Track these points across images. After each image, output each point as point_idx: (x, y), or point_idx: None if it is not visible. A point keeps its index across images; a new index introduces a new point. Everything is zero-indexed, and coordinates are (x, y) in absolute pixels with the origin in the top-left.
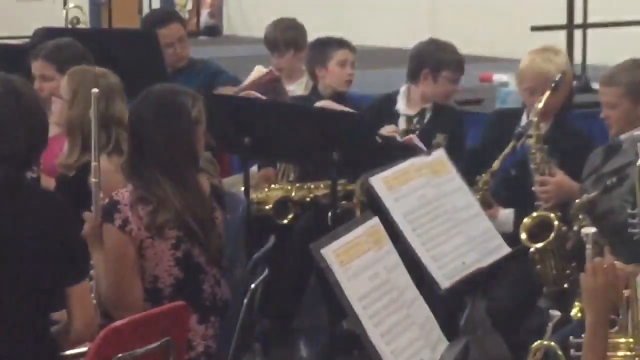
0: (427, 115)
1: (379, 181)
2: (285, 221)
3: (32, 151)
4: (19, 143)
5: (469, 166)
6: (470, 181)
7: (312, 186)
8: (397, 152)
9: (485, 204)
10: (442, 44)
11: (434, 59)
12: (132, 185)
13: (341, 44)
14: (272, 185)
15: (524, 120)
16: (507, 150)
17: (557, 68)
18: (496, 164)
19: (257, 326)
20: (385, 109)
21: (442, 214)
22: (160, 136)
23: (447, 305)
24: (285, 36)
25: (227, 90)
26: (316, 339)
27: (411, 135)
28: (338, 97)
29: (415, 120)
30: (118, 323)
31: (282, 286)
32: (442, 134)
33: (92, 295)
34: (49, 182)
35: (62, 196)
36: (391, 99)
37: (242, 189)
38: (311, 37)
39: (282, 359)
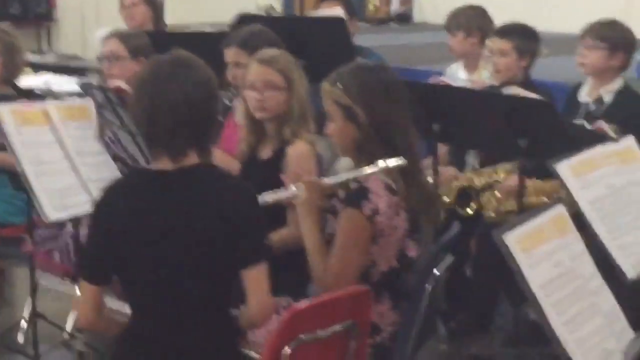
0: (606, 101)
1: (565, 168)
2: (470, 211)
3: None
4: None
5: None
6: None
7: (490, 171)
8: (586, 139)
9: None
10: None
11: None
12: (378, 174)
13: (495, 31)
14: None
15: None
16: None
17: None
18: None
19: (449, 315)
20: (572, 97)
21: (630, 203)
22: (396, 113)
23: (634, 295)
24: (458, 20)
25: None
26: (501, 327)
27: (601, 122)
28: (526, 84)
29: (593, 107)
30: (302, 305)
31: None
32: (613, 125)
33: None
34: (234, 164)
35: (235, 177)
36: (578, 87)
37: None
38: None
39: (468, 345)
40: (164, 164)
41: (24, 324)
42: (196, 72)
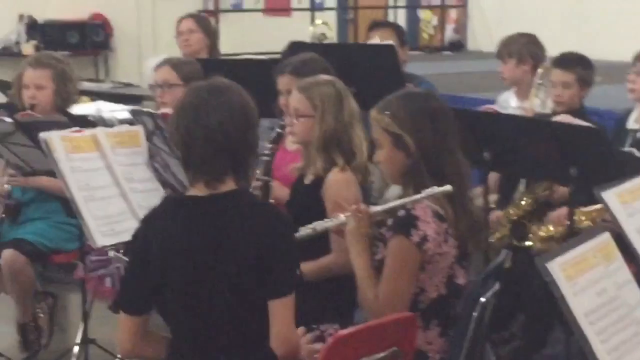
0: None
1: (611, 196)
2: (528, 243)
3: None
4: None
5: None
6: None
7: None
8: (635, 166)
9: None
10: None
11: None
12: (426, 201)
13: (556, 63)
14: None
15: None
16: None
17: None
18: None
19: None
20: (621, 124)
21: None
22: (444, 141)
23: None
24: (510, 47)
25: None
26: (551, 355)
27: None
28: (579, 112)
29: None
30: (346, 331)
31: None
32: None
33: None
34: (282, 191)
35: (271, 206)
36: (627, 114)
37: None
38: (555, 52)
39: None
40: (199, 190)
41: (76, 349)
42: (232, 99)
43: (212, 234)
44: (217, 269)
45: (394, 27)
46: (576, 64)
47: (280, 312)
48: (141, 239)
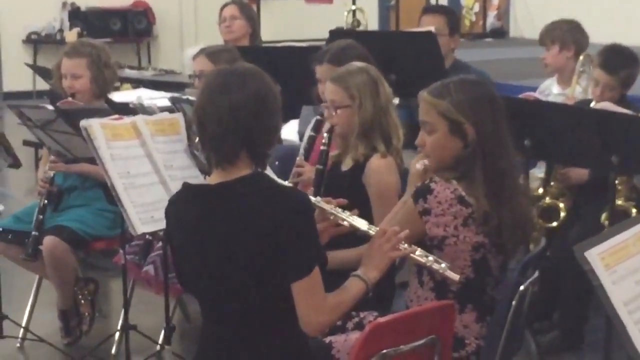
0: None
1: None
2: (555, 223)
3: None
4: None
5: None
6: None
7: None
8: None
9: None
10: None
11: None
12: (456, 182)
13: (600, 63)
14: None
15: None
16: None
17: None
18: None
19: (541, 330)
20: None
21: None
22: (502, 131)
23: None
24: (553, 33)
25: None
26: (592, 343)
27: None
28: (621, 99)
29: None
30: (384, 319)
31: (567, 292)
32: None
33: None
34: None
35: (283, 188)
36: None
37: None
38: (598, 38)
39: None
40: (215, 176)
41: (117, 335)
42: (249, 84)
43: (222, 224)
44: (232, 257)
45: (447, 13)
46: (621, 67)
47: (302, 293)
48: (167, 225)
